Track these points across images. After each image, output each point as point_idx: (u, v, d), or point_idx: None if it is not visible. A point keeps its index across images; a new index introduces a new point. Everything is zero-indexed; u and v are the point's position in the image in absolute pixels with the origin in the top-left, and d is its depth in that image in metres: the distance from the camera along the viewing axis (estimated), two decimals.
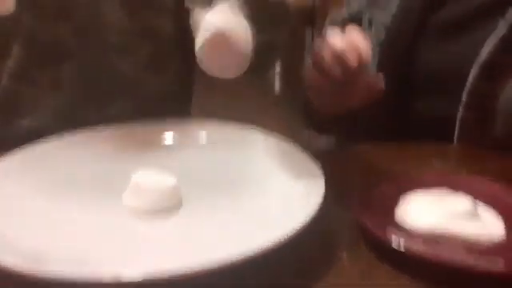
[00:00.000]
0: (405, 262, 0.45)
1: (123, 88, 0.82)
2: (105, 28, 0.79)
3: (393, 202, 0.53)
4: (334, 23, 0.90)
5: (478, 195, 0.53)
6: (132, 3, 0.81)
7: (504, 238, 0.49)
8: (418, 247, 0.46)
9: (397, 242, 0.46)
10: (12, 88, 0.78)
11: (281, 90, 3.40)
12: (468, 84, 0.68)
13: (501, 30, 0.67)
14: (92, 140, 0.63)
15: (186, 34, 0.87)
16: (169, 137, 0.66)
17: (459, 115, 0.69)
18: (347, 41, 0.57)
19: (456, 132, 0.71)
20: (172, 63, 0.88)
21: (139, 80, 0.83)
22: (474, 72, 0.68)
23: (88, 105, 0.80)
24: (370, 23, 0.80)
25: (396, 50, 0.75)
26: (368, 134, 0.78)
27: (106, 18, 0.79)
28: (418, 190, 0.54)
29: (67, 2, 0.77)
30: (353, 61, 0.56)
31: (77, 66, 0.79)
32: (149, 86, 0.84)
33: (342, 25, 0.87)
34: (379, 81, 0.62)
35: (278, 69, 3.41)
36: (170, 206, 0.53)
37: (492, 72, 0.67)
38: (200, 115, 0.87)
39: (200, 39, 0.39)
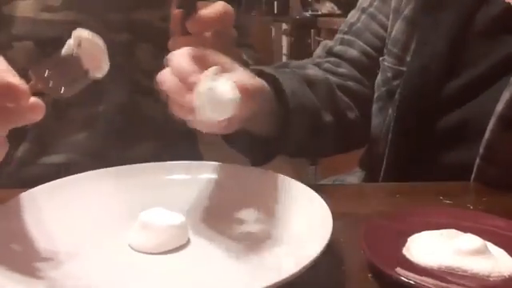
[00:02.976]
0: None
1: (150, 130, 0.84)
2: (137, 71, 0.82)
3: (401, 239, 0.53)
4: None
5: (487, 232, 0.53)
6: (163, 47, 0.84)
7: None
8: (428, 283, 0.45)
9: (406, 278, 0.45)
10: (46, 124, 0.80)
11: None
12: (485, 136, 0.68)
13: None
14: (99, 179, 0.64)
15: None
16: (178, 176, 0.66)
17: (476, 165, 0.70)
18: None
19: (472, 179, 0.71)
20: None
21: (165, 122, 0.85)
22: (490, 125, 0.68)
23: (116, 144, 0.81)
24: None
25: (413, 111, 0.76)
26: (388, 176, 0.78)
27: (139, 61, 0.82)
28: (427, 228, 0.54)
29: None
30: None
31: (109, 107, 0.81)
32: (173, 128, 0.86)
33: None
34: None
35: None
36: (177, 244, 0.53)
37: (507, 125, 0.67)
38: (207, 156, 0.88)
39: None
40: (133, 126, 0.84)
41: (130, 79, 0.82)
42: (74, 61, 0.51)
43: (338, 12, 2.94)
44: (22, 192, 0.57)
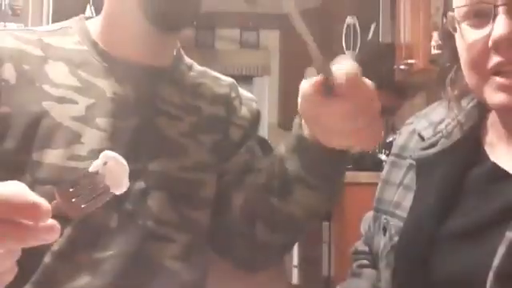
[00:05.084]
0: None
1: (156, 277, 0.84)
2: (150, 218, 0.84)
3: None
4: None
5: None
6: (176, 195, 0.86)
7: None
8: None
9: None
10: (52, 266, 0.80)
11: (299, 281, 3.35)
12: None
13: (509, 236, 0.68)
14: None
15: (218, 227, 0.92)
16: None
17: None
18: None
19: None
20: (203, 255, 0.91)
21: (171, 270, 0.85)
22: (489, 279, 0.68)
23: None
24: (385, 228, 0.83)
25: (410, 256, 0.77)
26: None
27: (152, 208, 0.84)
28: None
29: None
30: None
31: (117, 253, 0.81)
32: (179, 276, 0.86)
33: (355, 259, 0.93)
34: None
35: (295, 260, 3.40)
36: None
37: (506, 279, 0.67)
38: None
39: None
40: (141, 275, 0.83)
41: (142, 226, 0.83)
42: (97, 178, 0.55)
43: None
44: None
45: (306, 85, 0.64)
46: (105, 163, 0.56)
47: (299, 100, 0.66)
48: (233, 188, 0.91)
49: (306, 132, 0.76)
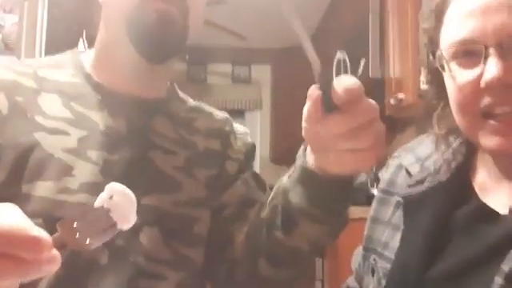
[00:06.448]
0: None
1: None
2: (140, 255, 0.82)
3: None
4: None
5: None
6: (169, 231, 0.85)
7: None
8: None
9: None
10: None
11: None
12: None
13: (498, 281, 0.66)
14: None
15: (214, 264, 0.90)
16: None
17: None
18: None
19: None
20: None
21: None
22: None
23: None
24: (373, 270, 0.82)
25: None
26: None
27: (142, 245, 0.82)
28: None
29: None
30: None
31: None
32: None
33: None
34: None
35: None
36: None
37: None
38: None
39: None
40: None
41: (133, 263, 0.82)
42: (103, 213, 0.52)
43: None
44: None
45: (307, 105, 0.62)
46: (111, 197, 0.53)
47: (303, 124, 0.63)
48: (234, 222, 0.90)
49: (310, 163, 0.72)
